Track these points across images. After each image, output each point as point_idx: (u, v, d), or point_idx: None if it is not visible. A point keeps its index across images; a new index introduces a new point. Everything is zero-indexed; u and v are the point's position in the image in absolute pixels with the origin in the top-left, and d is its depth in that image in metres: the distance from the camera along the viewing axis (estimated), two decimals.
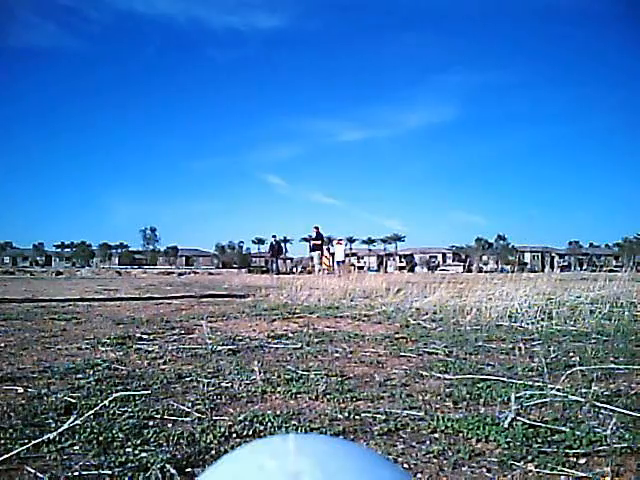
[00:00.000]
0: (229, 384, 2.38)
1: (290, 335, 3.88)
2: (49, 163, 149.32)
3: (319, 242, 19.20)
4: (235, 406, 2.05)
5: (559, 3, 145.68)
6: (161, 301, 7.00)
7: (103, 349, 3.26)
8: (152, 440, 1.64)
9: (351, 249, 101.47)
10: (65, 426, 1.71)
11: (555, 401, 2.09)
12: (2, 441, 1.61)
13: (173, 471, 1.40)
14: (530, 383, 2.40)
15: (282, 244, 22.69)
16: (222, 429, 1.73)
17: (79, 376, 2.51)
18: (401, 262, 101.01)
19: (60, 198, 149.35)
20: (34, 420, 1.83)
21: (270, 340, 3.65)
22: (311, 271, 17.67)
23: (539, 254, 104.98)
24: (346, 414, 1.93)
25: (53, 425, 1.76)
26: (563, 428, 1.75)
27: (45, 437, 1.62)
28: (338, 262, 19.03)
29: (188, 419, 1.88)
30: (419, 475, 1.43)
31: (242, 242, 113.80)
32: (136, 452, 1.54)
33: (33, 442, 1.58)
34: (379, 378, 2.53)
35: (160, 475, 1.38)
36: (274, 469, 0.42)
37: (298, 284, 7.92)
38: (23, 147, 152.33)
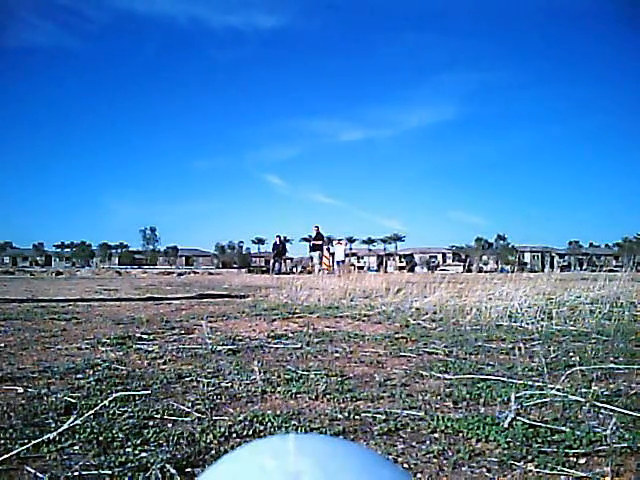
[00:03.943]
0: (229, 384, 2.38)
1: (290, 335, 3.88)
2: (49, 163, 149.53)
3: (319, 242, 19.20)
4: (235, 406, 2.05)
5: (559, 3, 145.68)
6: (161, 301, 7.00)
7: (103, 349, 3.26)
8: (152, 440, 1.64)
9: (351, 249, 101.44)
10: (65, 426, 1.71)
11: (555, 401, 2.09)
12: (2, 441, 1.61)
13: (173, 471, 1.40)
14: (530, 383, 2.40)
15: (285, 244, 22.52)
16: (222, 429, 1.73)
17: (79, 376, 2.51)
18: (401, 262, 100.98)
19: (60, 198, 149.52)
20: (34, 420, 1.83)
21: (270, 340, 3.65)
22: (311, 271, 17.68)
23: (539, 254, 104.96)
24: (346, 414, 1.93)
25: (53, 425, 1.76)
26: (563, 428, 1.75)
27: (45, 437, 1.62)
28: (338, 262, 19.02)
29: (188, 419, 1.88)
30: (419, 475, 1.43)
31: (242, 242, 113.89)
32: (136, 452, 1.54)
33: (33, 442, 1.58)
34: (379, 378, 2.53)
35: (160, 475, 1.38)
36: (274, 469, 0.42)
37: (298, 284, 7.92)
38: (23, 147, 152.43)
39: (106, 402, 1.99)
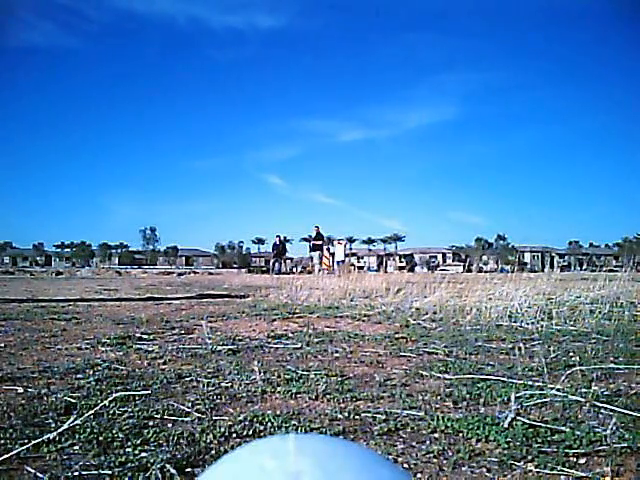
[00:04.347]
0: (229, 384, 2.38)
1: (290, 335, 3.88)
2: (49, 163, 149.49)
3: (319, 242, 19.20)
4: (235, 406, 2.05)
5: (559, 3, 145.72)
6: (161, 301, 7.00)
7: (103, 349, 3.26)
8: (152, 440, 1.64)
9: (351, 249, 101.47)
10: (65, 426, 1.71)
11: (555, 401, 2.09)
12: (2, 441, 1.61)
13: (173, 471, 1.40)
14: (530, 383, 2.40)
15: (285, 244, 22.48)
16: (222, 429, 1.73)
17: (79, 376, 2.51)
18: (401, 262, 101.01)
19: (60, 198, 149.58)
20: (34, 420, 1.83)
21: (270, 340, 3.65)
22: (311, 271, 17.66)
23: (539, 254, 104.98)
24: (346, 414, 1.93)
25: (53, 425, 1.76)
26: (563, 428, 1.75)
27: (45, 437, 1.62)
28: (338, 262, 19.01)
29: (188, 419, 1.88)
30: (419, 475, 1.43)
31: (242, 242, 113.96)
32: (136, 452, 1.54)
33: (33, 442, 1.58)
34: (379, 378, 2.53)
35: (160, 475, 1.38)
36: (274, 469, 0.42)
37: (298, 284, 7.92)
38: (23, 147, 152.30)
39: (106, 402, 1.99)
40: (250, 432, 1.73)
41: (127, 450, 1.56)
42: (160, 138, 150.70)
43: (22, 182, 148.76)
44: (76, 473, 1.40)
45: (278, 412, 1.94)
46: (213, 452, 1.56)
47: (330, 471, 0.41)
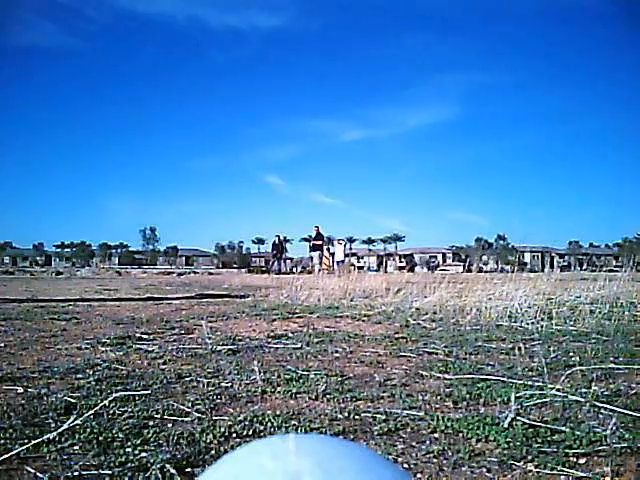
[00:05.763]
0: (229, 384, 2.38)
1: (290, 335, 3.88)
2: (49, 163, 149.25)
3: (319, 242, 19.19)
4: (235, 406, 2.05)
5: (559, 3, 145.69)
6: (161, 301, 7.00)
7: (103, 349, 3.26)
8: (152, 440, 1.64)
9: (351, 249, 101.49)
10: (65, 426, 1.71)
11: (555, 401, 2.09)
12: (2, 441, 1.61)
13: (173, 471, 1.40)
14: (530, 383, 2.40)
15: (284, 244, 22.48)
16: (222, 429, 1.73)
17: (79, 376, 2.51)
18: (401, 262, 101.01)
19: (60, 198, 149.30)
20: (34, 420, 1.83)
21: (270, 340, 3.65)
22: (311, 271, 17.67)
23: (539, 254, 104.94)
24: (346, 414, 1.93)
25: (53, 425, 1.76)
26: (563, 428, 1.75)
27: (45, 437, 1.62)
28: (338, 262, 19.02)
29: (188, 419, 1.88)
30: (419, 475, 1.43)
31: (242, 242, 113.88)
32: (136, 452, 1.54)
33: (33, 442, 1.58)
34: (379, 378, 2.53)
35: (160, 475, 1.38)
36: (274, 469, 0.42)
37: (298, 284, 7.92)
38: (23, 147, 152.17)
39: (106, 402, 1.99)
40: (250, 432, 1.73)
41: (127, 450, 1.56)
42: (160, 138, 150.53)
43: (22, 182, 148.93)
44: (76, 473, 1.40)
45: (278, 412, 1.95)
46: (213, 452, 1.56)
47: (330, 471, 0.41)
